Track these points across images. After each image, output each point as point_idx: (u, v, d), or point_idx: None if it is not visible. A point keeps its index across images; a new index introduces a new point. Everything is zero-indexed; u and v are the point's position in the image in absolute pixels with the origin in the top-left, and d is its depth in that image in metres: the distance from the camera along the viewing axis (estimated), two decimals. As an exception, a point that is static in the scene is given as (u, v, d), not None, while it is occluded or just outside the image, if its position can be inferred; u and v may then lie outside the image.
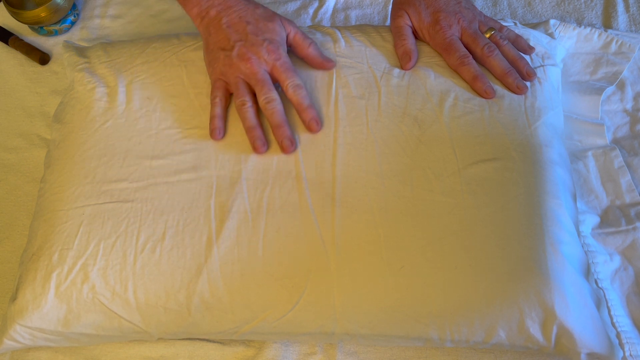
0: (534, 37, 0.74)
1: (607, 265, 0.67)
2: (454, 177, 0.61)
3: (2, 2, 0.94)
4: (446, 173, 0.62)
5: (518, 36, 0.73)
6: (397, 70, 0.70)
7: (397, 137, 0.64)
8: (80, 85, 0.72)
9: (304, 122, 0.66)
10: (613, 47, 0.79)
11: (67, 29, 0.92)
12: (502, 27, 0.74)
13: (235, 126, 0.67)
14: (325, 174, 0.63)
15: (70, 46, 0.79)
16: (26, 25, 0.92)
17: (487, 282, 0.56)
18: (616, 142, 0.75)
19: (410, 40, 0.72)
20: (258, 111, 0.68)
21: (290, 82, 0.67)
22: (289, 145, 0.65)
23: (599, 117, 0.75)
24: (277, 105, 0.66)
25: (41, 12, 0.86)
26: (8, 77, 0.89)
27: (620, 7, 0.84)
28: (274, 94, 0.66)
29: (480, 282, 0.56)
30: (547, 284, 0.56)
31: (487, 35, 0.71)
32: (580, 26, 0.80)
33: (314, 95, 0.68)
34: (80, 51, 0.77)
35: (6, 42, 0.91)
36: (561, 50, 0.78)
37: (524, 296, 0.56)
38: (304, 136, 0.65)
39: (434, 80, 0.69)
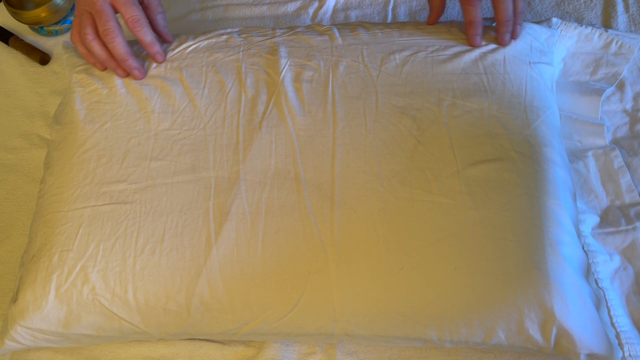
0: (533, 30, 0.73)
1: (607, 265, 0.66)
2: (453, 178, 0.61)
3: (2, 3, 0.94)
4: (445, 174, 0.61)
5: None
6: (392, 69, 0.69)
7: (396, 138, 0.64)
8: (79, 86, 0.72)
9: (149, 55, 0.70)
10: (613, 47, 0.79)
11: (68, 29, 0.92)
12: None
13: (232, 127, 0.67)
14: (324, 175, 0.63)
15: (69, 47, 0.79)
16: (26, 26, 0.92)
17: (486, 283, 0.56)
18: (616, 142, 0.75)
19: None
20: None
21: (128, 16, 0.68)
22: (138, 75, 0.68)
23: (599, 117, 0.75)
24: (115, 37, 0.67)
25: (41, 13, 0.86)
26: (8, 77, 0.89)
27: (620, 7, 0.84)
28: (110, 24, 0.67)
29: (479, 283, 0.56)
30: (546, 285, 0.56)
31: None
32: (581, 26, 0.80)
33: (312, 96, 0.68)
34: (80, 52, 0.78)
35: (6, 43, 0.91)
36: (562, 49, 0.78)
37: (523, 297, 0.56)
38: (302, 137, 0.65)
39: (431, 78, 0.68)
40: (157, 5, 0.74)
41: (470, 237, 0.58)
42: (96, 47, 0.68)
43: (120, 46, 0.67)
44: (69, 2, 0.89)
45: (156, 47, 0.70)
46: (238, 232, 0.61)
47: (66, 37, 0.92)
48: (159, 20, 0.74)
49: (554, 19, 0.79)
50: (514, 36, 0.71)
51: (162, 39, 0.75)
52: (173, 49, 0.74)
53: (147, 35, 0.69)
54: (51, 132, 0.72)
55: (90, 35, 0.68)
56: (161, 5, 0.74)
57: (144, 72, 0.70)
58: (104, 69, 0.72)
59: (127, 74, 0.70)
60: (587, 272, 0.61)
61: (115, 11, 0.69)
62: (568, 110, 0.75)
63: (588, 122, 0.74)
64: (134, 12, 0.68)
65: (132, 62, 0.68)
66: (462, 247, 0.58)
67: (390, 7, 0.90)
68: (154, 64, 0.73)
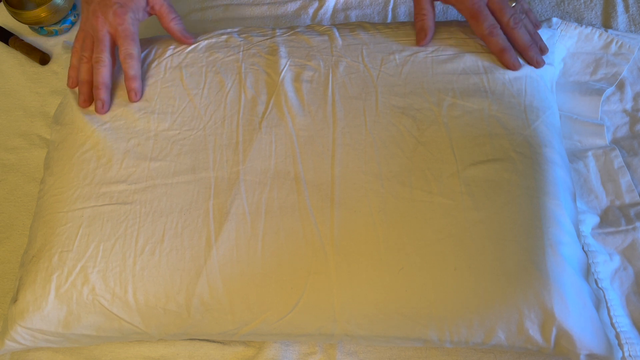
0: None
1: (607, 265, 0.66)
2: (453, 178, 0.61)
3: (2, 2, 0.94)
4: (445, 174, 0.61)
5: (530, 9, 0.74)
6: (392, 69, 0.69)
7: (396, 138, 0.64)
8: (79, 87, 0.73)
9: (127, 89, 0.70)
10: (613, 47, 0.79)
11: (67, 29, 0.92)
12: None
13: (232, 127, 0.67)
14: (324, 175, 0.63)
15: (69, 47, 0.79)
16: (26, 26, 0.92)
17: (486, 284, 0.56)
18: (616, 142, 0.75)
19: (429, 15, 0.72)
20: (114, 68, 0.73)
21: (123, 50, 0.70)
22: (99, 107, 0.69)
23: (599, 117, 0.75)
24: (102, 67, 0.70)
25: (41, 13, 0.86)
26: (8, 77, 0.89)
27: (620, 7, 0.84)
28: (103, 55, 0.70)
29: (479, 283, 0.56)
30: (546, 286, 0.56)
31: (512, 5, 0.71)
32: (581, 26, 0.80)
33: (311, 96, 0.68)
34: (80, 52, 0.78)
35: (6, 42, 0.91)
36: (562, 49, 0.78)
37: (523, 298, 0.56)
38: (302, 137, 0.65)
39: (431, 78, 0.68)
40: (169, 12, 0.74)
41: (470, 237, 0.58)
42: (84, 68, 0.71)
43: (102, 76, 0.70)
44: (69, 2, 0.89)
45: (135, 84, 0.70)
46: (238, 232, 0.61)
47: (66, 37, 0.92)
48: (174, 25, 0.74)
49: (554, 19, 0.79)
50: (543, 53, 0.71)
51: (182, 42, 0.75)
52: (174, 49, 0.74)
53: (131, 70, 0.70)
54: (51, 133, 0.72)
55: (85, 58, 0.72)
56: (174, 11, 0.75)
57: (106, 110, 0.70)
58: (74, 86, 0.73)
59: (88, 104, 0.71)
60: (587, 273, 0.61)
61: (115, 43, 0.72)
62: (568, 110, 0.75)
63: (588, 122, 0.74)
64: (129, 48, 0.71)
65: (102, 94, 0.69)
66: (462, 248, 0.58)
67: (390, 7, 0.90)
68: (154, 63, 0.73)
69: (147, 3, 0.74)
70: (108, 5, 0.71)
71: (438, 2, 0.74)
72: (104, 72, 0.70)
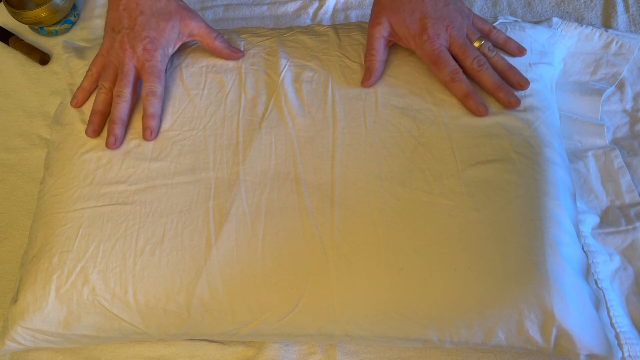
0: (533, 32, 0.73)
1: (607, 265, 0.66)
2: (453, 179, 0.61)
3: (2, 2, 0.94)
4: (445, 175, 0.61)
5: (507, 39, 0.70)
6: (392, 69, 0.69)
7: (396, 138, 0.64)
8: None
9: (143, 126, 0.67)
10: (613, 47, 0.79)
11: (68, 29, 0.92)
12: (490, 30, 0.70)
13: (232, 128, 0.67)
14: (324, 176, 0.63)
15: (69, 47, 0.79)
16: (26, 26, 0.92)
17: (486, 284, 0.56)
18: (616, 142, 0.75)
19: (378, 56, 0.68)
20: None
21: (147, 86, 0.68)
22: (111, 142, 0.66)
23: (599, 117, 0.75)
24: (121, 101, 0.68)
25: (41, 13, 0.86)
26: (8, 77, 0.89)
27: (620, 7, 0.84)
28: (126, 91, 0.68)
29: (479, 284, 0.56)
30: (546, 286, 0.56)
31: (477, 45, 0.68)
32: (581, 26, 0.80)
33: (311, 97, 0.68)
34: (80, 52, 0.78)
35: (6, 42, 0.91)
36: (562, 48, 0.78)
37: (523, 298, 0.56)
38: (302, 137, 0.65)
39: (431, 79, 0.68)
40: (210, 32, 0.72)
41: (470, 238, 0.58)
42: (101, 99, 0.69)
43: (121, 111, 0.68)
44: (69, 2, 0.89)
45: (152, 122, 0.67)
46: (238, 232, 0.61)
47: (66, 37, 0.92)
48: (219, 44, 0.71)
49: (555, 19, 0.79)
50: (522, 87, 0.66)
51: (231, 59, 0.72)
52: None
53: (152, 107, 0.67)
54: (51, 133, 0.72)
55: (104, 89, 0.69)
56: (213, 30, 0.72)
57: (118, 146, 0.67)
58: (78, 107, 0.71)
59: (96, 135, 0.68)
60: (587, 273, 0.61)
61: (138, 77, 0.70)
62: (568, 110, 0.75)
63: (588, 122, 0.74)
64: (154, 86, 0.68)
65: (117, 129, 0.67)
66: (462, 248, 0.58)
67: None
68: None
69: (181, 33, 0.71)
70: (138, 38, 0.69)
71: None
72: (123, 107, 0.68)
